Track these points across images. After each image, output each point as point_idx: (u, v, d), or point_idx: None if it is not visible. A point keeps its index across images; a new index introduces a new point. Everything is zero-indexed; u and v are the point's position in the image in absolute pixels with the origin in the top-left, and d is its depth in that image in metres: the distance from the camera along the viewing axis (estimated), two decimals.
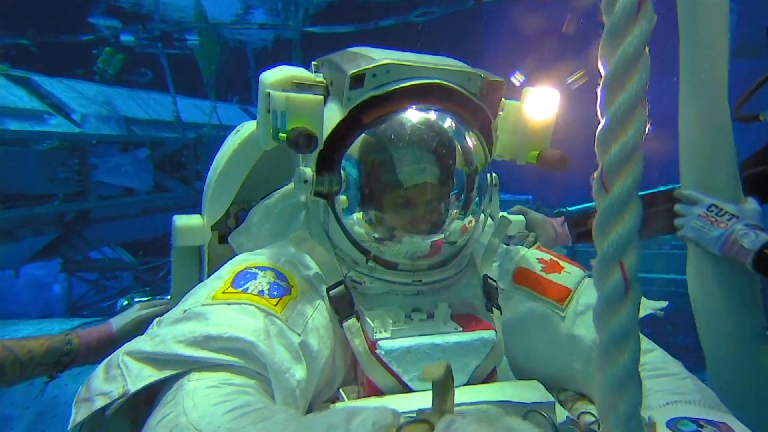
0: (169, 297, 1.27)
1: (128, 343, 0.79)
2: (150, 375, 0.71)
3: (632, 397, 0.39)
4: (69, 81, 5.69)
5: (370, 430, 0.50)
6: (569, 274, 1.05)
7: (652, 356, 1.00)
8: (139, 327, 1.17)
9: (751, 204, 1.14)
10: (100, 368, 0.76)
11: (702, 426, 0.46)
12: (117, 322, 1.20)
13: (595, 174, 0.41)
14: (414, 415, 0.69)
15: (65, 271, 6.16)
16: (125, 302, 5.29)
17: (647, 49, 0.36)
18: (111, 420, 0.71)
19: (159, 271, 6.69)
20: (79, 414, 0.69)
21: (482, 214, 0.97)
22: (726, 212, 1.12)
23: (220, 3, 8.25)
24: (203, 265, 1.18)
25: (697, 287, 1.26)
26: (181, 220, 1.16)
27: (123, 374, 0.71)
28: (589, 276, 1.02)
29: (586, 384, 0.99)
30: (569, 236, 1.45)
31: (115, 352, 0.78)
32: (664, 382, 0.93)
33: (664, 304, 1.12)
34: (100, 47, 6.56)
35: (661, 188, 1.38)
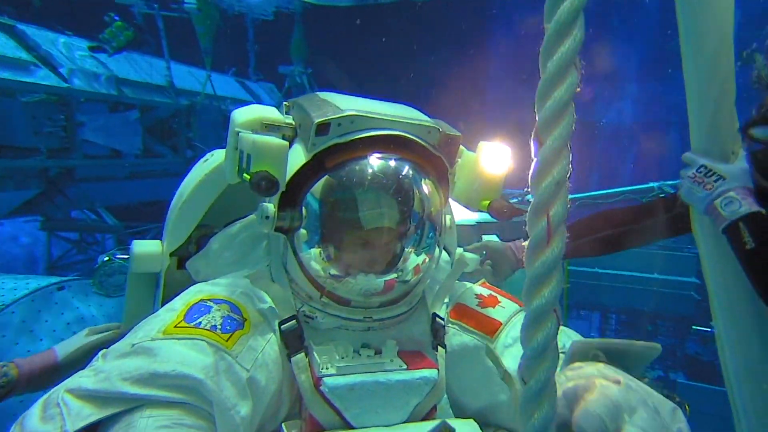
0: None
1: (69, 379, 0.77)
2: (91, 414, 0.70)
3: (552, 326, 0.44)
4: (59, 35, 5.57)
5: None
6: (503, 308, 1.09)
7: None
8: (86, 355, 1.13)
9: (740, 162, 1.12)
10: (37, 406, 0.74)
11: None
12: (62, 350, 1.16)
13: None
14: None
15: (45, 229, 6.10)
16: (106, 258, 5.21)
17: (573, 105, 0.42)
18: None
19: (144, 236, 6.65)
20: None
21: (435, 253, 1.00)
22: (714, 173, 1.11)
23: None
24: (158, 291, 1.17)
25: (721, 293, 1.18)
26: (140, 247, 1.15)
27: (62, 413, 0.70)
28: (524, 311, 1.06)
29: (511, 415, 1.00)
30: None
31: (54, 389, 0.76)
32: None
33: (596, 340, 1.16)
34: (111, 15, 6.40)
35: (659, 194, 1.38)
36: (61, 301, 4.86)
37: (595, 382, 0.56)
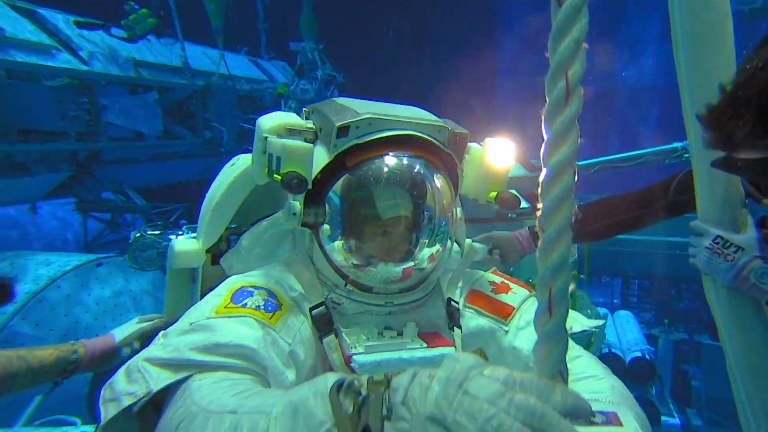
0: (164, 310, 1.34)
1: (142, 351, 0.87)
2: (168, 377, 0.80)
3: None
4: (77, 18, 5.66)
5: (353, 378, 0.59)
6: (515, 294, 1.16)
7: (578, 362, 1.07)
8: (138, 340, 1.25)
9: (751, 232, 1.10)
10: (121, 373, 0.84)
11: (593, 416, 0.51)
12: (119, 334, 1.27)
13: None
14: None
15: (79, 210, 6.37)
16: (138, 234, 5.44)
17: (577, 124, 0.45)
18: (126, 423, 0.81)
19: (170, 216, 6.87)
20: (108, 412, 0.78)
21: (448, 243, 1.08)
22: (731, 244, 1.09)
23: None
24: (196, 284, 1.28)
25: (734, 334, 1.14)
26: (180, 245, 1.27)
27: (144, 377, 0.80)
28: (534, 296, 1.13)
29: None
30: (534, 246, 1.59)
31: (131, 359, 0.86)
32: (583, 385, 1.01)
33: (600, 322, 1.20)
34: (131, 3, 6.43)
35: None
36: (101, 276, 5.16)
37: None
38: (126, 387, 0.80)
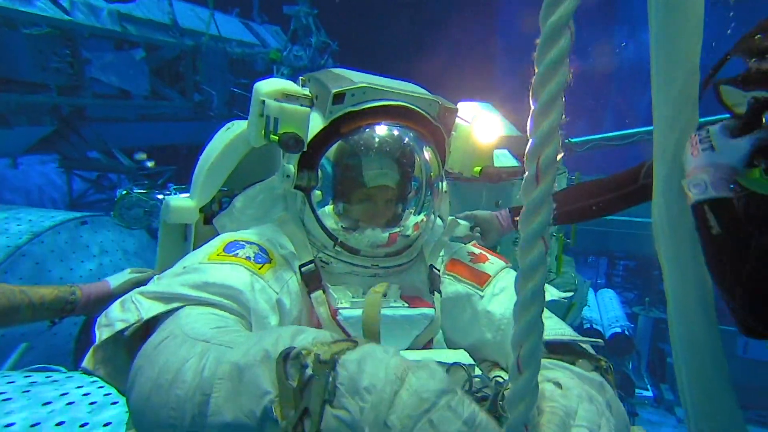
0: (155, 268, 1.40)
1: (138, 288, 0.92)
2: (158, 307, 0.85)
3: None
4: None
5: (310, 341, 0.61)
6: (492, 264, 1.21)
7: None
8: (132, 287, 1.28)
9: (744, 141, 1.02)
10: (116, 304, 0.89)
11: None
12: (114, 281, 1.31)
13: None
14: None
15: (63, 167, 6.26)
16: (124, 192, 5.36)
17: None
18: (117, 348, 0.86)
19: (158, 178, 6.77)
20: (102, 334, 0.83)
21: (432, 215, 1.14)
22: (708, 140, 1.04)
23: None
24: (189, 242, 1.33)
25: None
26: (175, 201, 1.31)
27: (137, 307, 0.85)
28: (509, 267, 1.21)
29: (496, 351, 1.11)
30: (513, 226, 1.66)
31: (126, 294, 0.91)
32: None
33: (568, 294, 1.23)
34: None
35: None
36: (86, 234, 5.10)
37: (543, 395, 0.64)
38: (119, 314, 0.85)
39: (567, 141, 8.00)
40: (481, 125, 1.19)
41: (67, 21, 5.07)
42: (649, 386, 7.48)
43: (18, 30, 4.64)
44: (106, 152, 6.33)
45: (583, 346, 0.93)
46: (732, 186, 1.04)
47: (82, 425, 1.83)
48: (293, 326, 0.69)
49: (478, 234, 1.57)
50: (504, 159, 2.48)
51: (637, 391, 7.17)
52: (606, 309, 8.61)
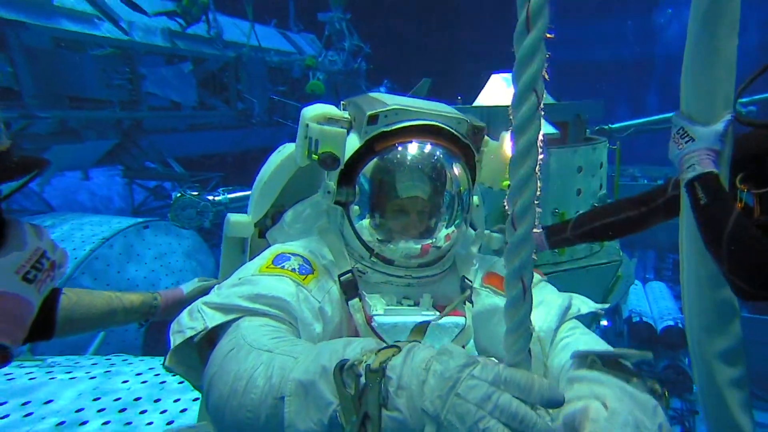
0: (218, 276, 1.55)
1: (202, 297, 1.02)
2: (220, 318, 0.95)
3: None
4: None
5: (359, 352, 0.68)
6: None
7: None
8: (201, 293, 1.44)
9: (714, 127, 1.22)
10: (185, 313, 0.99)
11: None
12: (186, 288, 1.49)
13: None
14: None
15: (126, 177, 6.74)
16: (179, 194, 5.73)
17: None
18: (190, 350, 0.98)
19: (207, 184, 7.16)
20: (176, 340, 0.95)
21: (463, 227, 1.19)
22: (687, 134, 1.25)
23: None
24: (246, 252, 1.47)
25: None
26: (234, 217, 1.44)
27: (203, 316, 0.95)
28: (545, 281, 1.24)
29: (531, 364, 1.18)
30: (546, 244, 1.76)
31: (193, 303, 1.01)
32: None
33: (605, 306, 1.28)
34: None
35: None
36: (148, 237, 5.50)
37: (587, 415, 0.63)
38: (189, 323, 0.98)
39: (606, 127, 7.72)
40: (509, 141, 1.22)
41: (126, 41, 5.48)
42: None
43: (86, 52, 5.07)
44: (162, 162, 6.78)
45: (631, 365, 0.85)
46: (718, 167, 1.21)
47: (156, 400, 2.06)
48: (342, 339, 0.77)
49: None
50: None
51: (695, 387, 6.82)
52: (656, 301, 8.24)
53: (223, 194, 5.49)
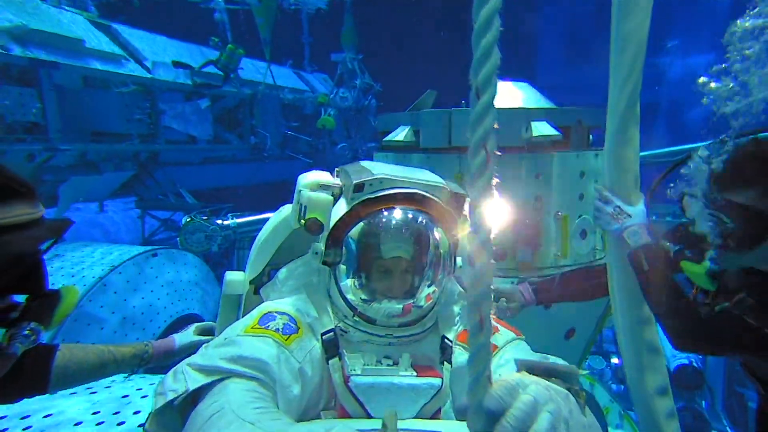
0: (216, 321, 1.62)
1: (188, 358, 1.07)
2: (201, 380, 0.99)
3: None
4: (144, 32, 6.26)
5: None
6: (501, 335, 1.27)
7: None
8: (194, 347, 1.53)
9: (640, 206, 1.52)
10: (170, 374, 1.03)
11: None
12: (179, 340, 1.52)
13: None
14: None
15: (139, 207, 6.92)
16: (188, 219, 5.86)
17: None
18: (171, 412, 1.00)
19: (218, 214, 7.30)
20: (158, 402, 0.98)
21: (445, 288, 1.24)
22: (624, 212, 1.52)
23: None
24: (240, 308, 1.49)
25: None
26: (230, 276, 1.49)
27: (185, 378, 0.99)
28: (521, 339, 1.28)
29: None
30: (534, 299, 1.89)
31: (178, 364, 1.06)
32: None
33: (584, 371, 1.36)
34: (215, 39, 7.12)
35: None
36: (156, 265, 5.58)
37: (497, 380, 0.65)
38: (171, 384, 1.01)
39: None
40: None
41: (148, 78, 5.78)
42: (728, 428, 6.72)
43: (111, 89, 5.36)
44: (175, 193, 6.97)
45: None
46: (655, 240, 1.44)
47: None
48: (323, 422, 0.82)
49: (504, 304, 1.71)
50: (543, 128, 2.47)
51: None
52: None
53: (232, 218, 5.60)
